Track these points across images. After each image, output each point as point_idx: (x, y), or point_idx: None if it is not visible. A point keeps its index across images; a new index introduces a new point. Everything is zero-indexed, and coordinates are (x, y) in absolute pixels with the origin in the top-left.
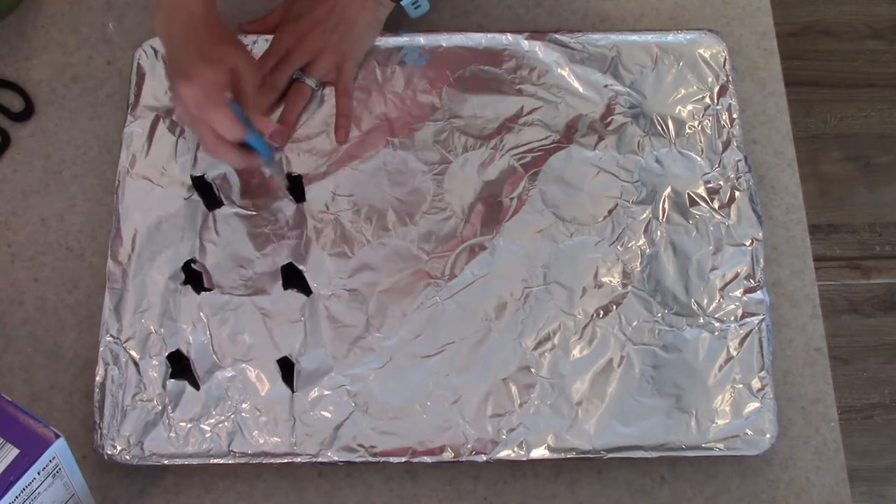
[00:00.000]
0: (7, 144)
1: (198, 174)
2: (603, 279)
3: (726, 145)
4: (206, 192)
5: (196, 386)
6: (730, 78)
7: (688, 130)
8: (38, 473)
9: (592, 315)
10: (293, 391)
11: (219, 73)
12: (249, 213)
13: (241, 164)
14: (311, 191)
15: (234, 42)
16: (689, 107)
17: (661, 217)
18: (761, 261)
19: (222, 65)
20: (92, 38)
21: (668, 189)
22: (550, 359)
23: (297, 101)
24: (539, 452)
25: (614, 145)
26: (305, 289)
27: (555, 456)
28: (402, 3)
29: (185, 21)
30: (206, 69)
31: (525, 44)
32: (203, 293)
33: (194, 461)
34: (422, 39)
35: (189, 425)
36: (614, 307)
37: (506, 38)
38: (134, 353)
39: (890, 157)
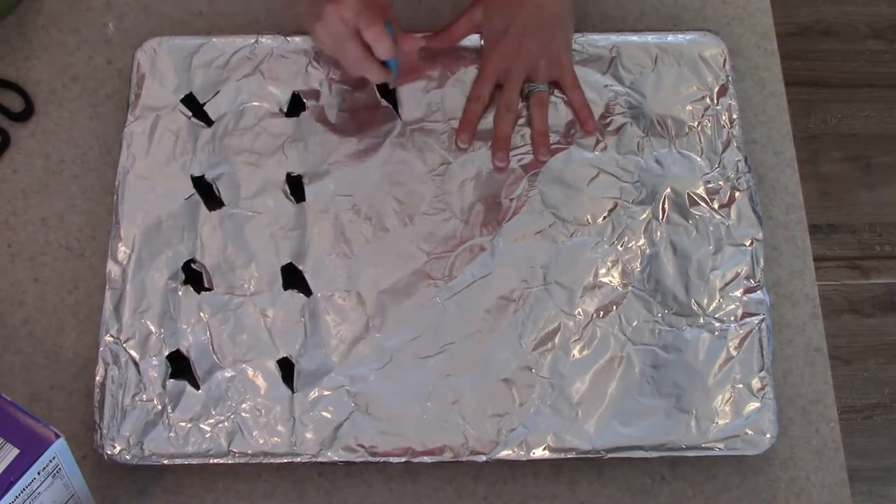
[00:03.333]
0: (7, 144)
1: (198, 174)
2: (603, 279)
3: (726, 145)
4: (206, 192)
5: (196, 386)
6: (730, 78)
7: (688, 131)
8: (38, 473)
9: (592, 315)
10: (293, 391)
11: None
12: (249, 213)
13: (381, 79)
14: (311, 191)
15: None
16: (689, 107)
17: (660, 217)
18: (761, 261)
19: None
20: (92, 38)
21: (668, 189)
22: (550, 359)
23: (542, 110)
24: (539, 452)
25: (614, 146)
26: (305, 289)
27: (555, 456)
28: None
29: None
30: None
31: None
32: (203, 293)
33: (194, 461)
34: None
35: (189, 425)
36: (614, 307)
37: None
38: (134, 353)
39: (890, 157)
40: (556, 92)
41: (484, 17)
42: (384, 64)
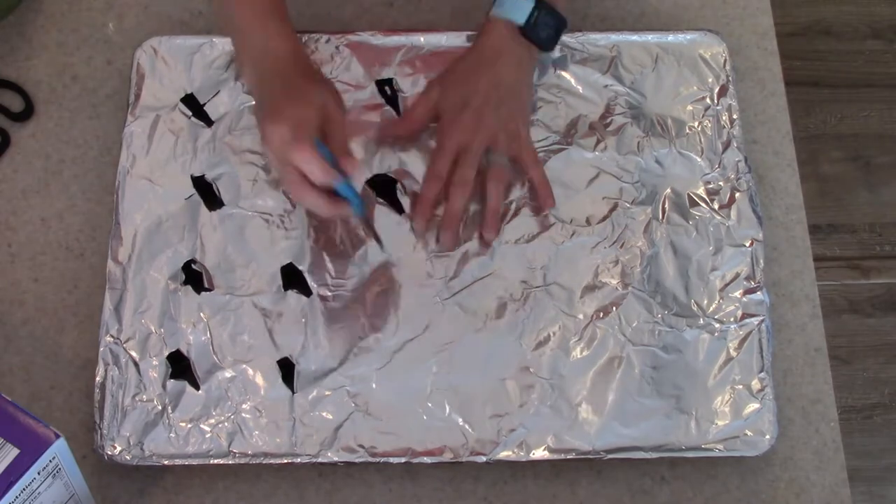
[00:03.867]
0: (7, 144)
1: (198, 174)
2: (603, 280)
3: (726, 146)
4: (206, 192)
5: (196, 386)
6: (730, 78)
7: (688, 131)
8: (38, 473)
9: (592, 316)
10: (293, 392)
11: (306, 110)
12: (249, 213)
13: (329, 213)
14: None
15: (322, 80)
16: (689, 107)
17: (660, 218)
18: (761, 261)
19: (310, 103)
20: (92, 38)
21: (668, 190)
22: (550, 359)
23: (500, 183)
24: (539, 453)
25: (614, 146)
26: (305, 289)
27: (555, 456)
28: (546, 50)
29: (272, 65)
30: (293, 106)
31: None
32: (203, 293)
33: (194, 461)
34: (422, 39)
35: (189, 426)
36: (614, 308)
37: None
38: (134, 354)
39: (890, 157)
40: (556, 92)
41: (440, 94)
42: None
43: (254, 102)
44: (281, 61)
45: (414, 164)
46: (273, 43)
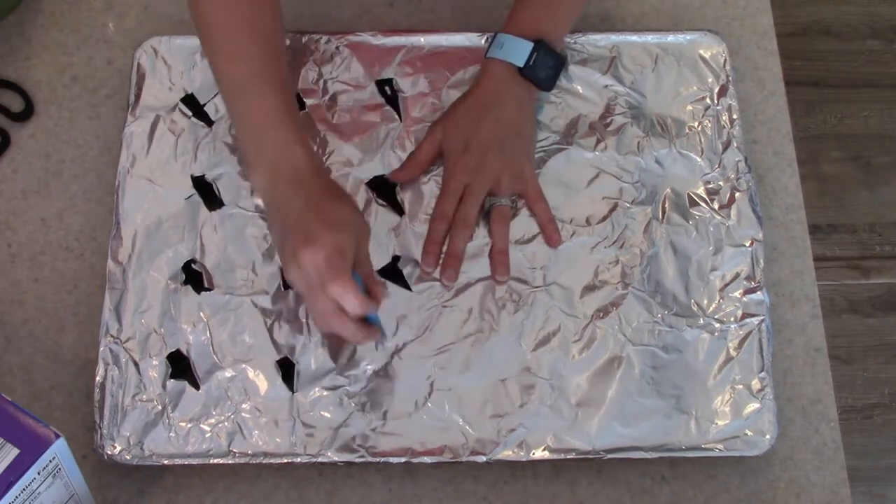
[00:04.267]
0: (7, 144)
1: (198, 174)
2: (602, 280)
3: (726, 146)
4: (206, 192)
5: (196, 386)
6: (730, 78)
7: (688, 131)
8: (38, 473)
9: (592, 316)
10: (293, 391)
11: (343, 239)
12: (249, 213)
13: (364, 340)
14: None
15: (347, 198)
16: (689, 107)
17: (660, 218)
18: (761, 261)
19: (345, 227)
20: (92, 38)
21: (668, 190)
22: (550, 359)
23: (502, 227)
24: (539, 453)
25: (614, 146)
26: None
27: (555, 456)
28: (545, 89)
29: (292, 176)
30: (329, 234)
31: None
32: (203, 293)
33: (194, 461)
34: (422, 39)
35: (189, 425)
36: (614, 308)
37: None
38: (134, 353)
39: (890, 157)
40: (556, 92)
41: (443, 135)
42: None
43: (267, 211)
44: (301, 172)
45: None
46: (291, 149)
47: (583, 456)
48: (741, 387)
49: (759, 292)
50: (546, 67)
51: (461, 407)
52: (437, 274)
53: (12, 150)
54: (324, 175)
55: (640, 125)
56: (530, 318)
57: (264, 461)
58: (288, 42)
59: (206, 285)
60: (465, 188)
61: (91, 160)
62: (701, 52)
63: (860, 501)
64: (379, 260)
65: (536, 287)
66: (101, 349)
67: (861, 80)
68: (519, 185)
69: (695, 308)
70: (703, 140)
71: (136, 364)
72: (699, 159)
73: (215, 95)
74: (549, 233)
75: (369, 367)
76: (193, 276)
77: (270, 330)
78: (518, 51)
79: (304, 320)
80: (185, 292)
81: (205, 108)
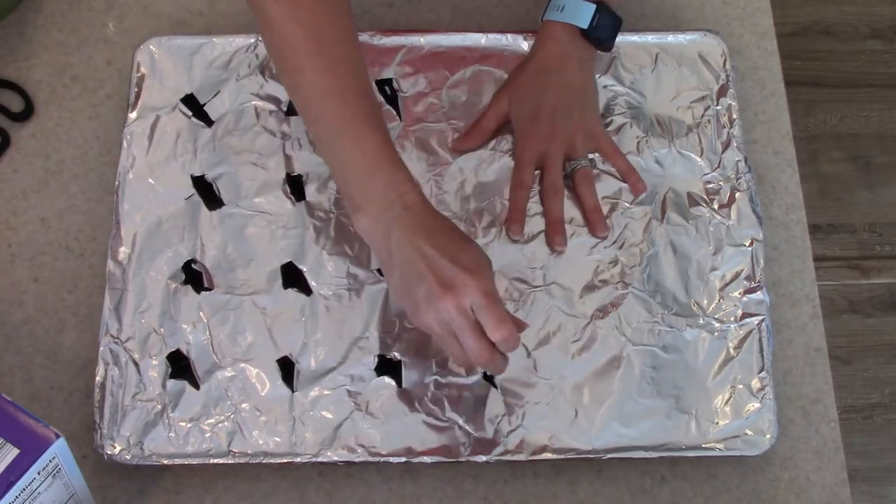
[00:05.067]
0: (7, 144)
1: (198, 174)
2: (602, 280)
3: (726, 146)
4: (206, 192)
5: (196, 386)
6: (730, 78)
7: (687, 131)
8: (38, 473)
9: (592, 316)
10: (293, 391)
11: (488, 283)
12: (249, 212)
13: (504, 367)
14: (310, 191)
15: (468, 238)
16: (689, 107)
17: (660, 218)
18: (761, 261)
19: (484, 273)
20: (92, 38)
21: (668, 189)
22: (550, 359)
23: (589, 186)
24: (539, 454)
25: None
26: (305, 289)
27: (555, 456)
28: (606, 50)
29: (404, 215)
30: (472, 278)
31: (525, 44)
32: (203, 293)
33: (194, 461)
34: (422, 39)
35: (189, 425)
36: (614, 308)
37: (506, 38)
38: (134, 353)
39: (890, 157)
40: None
41: (510, 104)
42: None
43: (380, 254)
44: (415, 210)
45: (414, 163)
46: (404, 188)
47: (583, 456)
48: (741, 386)
49: (759, 292)
50: (607, 28)
51: (461, 407)
52: (523, 242)
53: (12, 150)
54: (436, 212)
55: (639, 125)
56: (530, 317)
57: (264, 461)
58: None
59: (206, 285)
60: (543, 156)
61: (91, 160)
62: (701, 52)
63: (860, 501)
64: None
65: (536, 287)
66: (101, 349)
67: (861, 80)
68: (592, 142)
69: (695, 308)
70: (702, 140)
71: (136, 364)
72: (699, 159)
73: (215, 95)
74: (634, 182)
75: (369, 366)
76: (193, 276)
77: (270, 329)
78: (581, 12)
79: (303, 319)
80: (185, 292)
81: (205, 108)
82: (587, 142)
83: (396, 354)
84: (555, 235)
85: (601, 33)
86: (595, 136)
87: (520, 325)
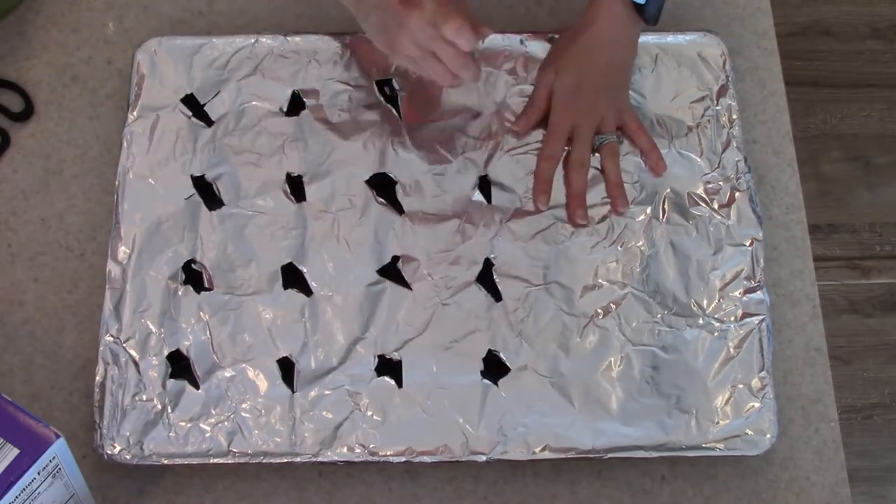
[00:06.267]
0: (7, 144)
1: (198, 174)
2: (602, 280)
3: (726, 145)
4: (206, 192)
5: (196, 386)
6: (730, 78)
7: (687, 131)
8: (38, 473)
9: (592, 315)
10: (293, 391)
11: None
12: (249, 212)
13: (477, 77)
14: (311, 191)
15: None
16: (689, 107)
17: (660, 217)
18: (761, 261)
19: None
20: (92, 38)
21: (668, 189)
22: (550, 359)
23: (615, 161)
24: (539, 453)
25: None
26: (305, 289)
27: (555, 456)
28: (653, 24)
29: None
30: None
31: (525, 44)
32: (203, 293)
33: (194, 461)
34: None
35: (189, 425)
36: (614, 308)
37: (506, 38)
38: (134, 353)
39: (890, 157)
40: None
41: (556, 75)
42: None
43: (356, 8)
44: None
45: (414, 163)
46: None
47: (583, 455)
48: (741, 386)
49: (759, 292)
50: (658, 2)
51: (461, 406)
52: (524, 241)
53: (12, 150)
54: None
55: None
56: (531, 317)
57: (264, 461)
58: (288, 41)
59: (205, 285)
60: (574, 129)
61: (91, 160)
62: (701, 52)
63: (860, 501)
64: (378, 259)
65: (536, 286)
66: (101, 349)
67: (861, 80)
68: (619, 118)
69: (695, 308)
70: (702, 140)
71: (135, 364)
72: (699, 159)
73: (215, 95)
74: (654, 160)
75: (369, 366)
76: (193, 276)
77: (270, 329)
78: None
79: (304, 319)
80: (185, 292)
81: (205, 108)
82: (615, 118)
83: (396, 354)
84: (577, 209)
85: (652, 8)
86: (622, 113)
87: (478, 28)
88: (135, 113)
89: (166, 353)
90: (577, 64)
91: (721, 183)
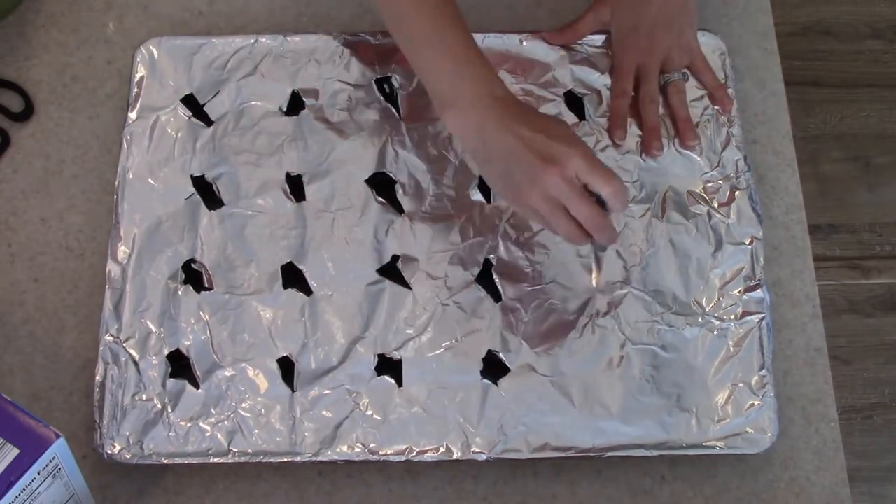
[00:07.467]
0: (7, 144)
1: (198, 174)
2: (602, 279)
3: (725, 144)
4: (206, 191)
5: (196, 385)
6: (729, 78)
7: None
8: (38, 473)
9: (592, 315)
10: (293, 391)
11: (586, 147)
12: (249, 212)
13: (616, 240)
14: (311, 190)
15: (547, 114)
16: (689, 106)
17: (660, 216)
18: (761, 259)
19: (577, 138)
20: (92, 38)
21: (668, 188)
22: (550, 358)
23: (681, 98)
24: (539, 452)
25: (613, 145)
26: (305, 289)
27: (555, 455)
28: None
29: (494, 105)
30: (570, 148)
31: (525, 44)
32: (203, 293)
33: (194, 461)
34: None
35: (189, 425)
36: (614, 307)
37: (506, 38)
38: (134, 353)
39: (890, 157)
40: (556, 92)
41: (612, 15)
42: None
43: (474, 151)
44: (505, 100)
45: (414, 163)
46: (492, 81)
47: (583, 454)
48: (741, 384)
49: (758, 290)
50: None
51: (461, 406)
52: (525, 240)
53: (12, 150)
54: (521, 101)
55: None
56: (531, 317)
57: (264, 460)
58: (288, 42)
59: (205, 285)
60: (640, 68)
61: (91, 160)
62: None
63: (860, 501)
64: (378, 258)
65: (537, 286)
66: (101, 349)
67: (861, 80)
68: (686, 57)
69: (694, 306)
70: (702, 139)
71: (135, 363)
72: (698, 158)
73: (215, 95)
74: (721, 97)
75: (369, 366)
76: (193, 276)
77: (270, 329)
78: None
79: (304, 319)
80: (184, 292)
81: (205, 108)
82: (682, 56)
83: (396, 354)
84: (652, 141)
85: None
86: (689, 52)
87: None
88: (135, 113)
89: (166, 352)
90: (633, 3)
91: (721, 181)
